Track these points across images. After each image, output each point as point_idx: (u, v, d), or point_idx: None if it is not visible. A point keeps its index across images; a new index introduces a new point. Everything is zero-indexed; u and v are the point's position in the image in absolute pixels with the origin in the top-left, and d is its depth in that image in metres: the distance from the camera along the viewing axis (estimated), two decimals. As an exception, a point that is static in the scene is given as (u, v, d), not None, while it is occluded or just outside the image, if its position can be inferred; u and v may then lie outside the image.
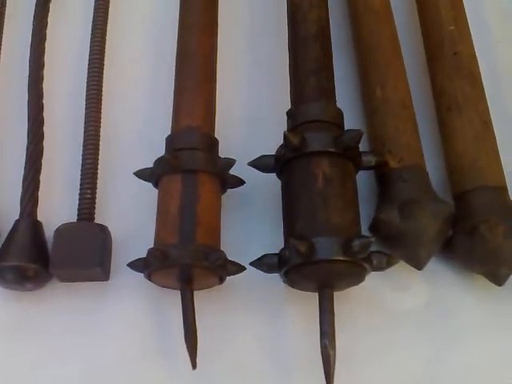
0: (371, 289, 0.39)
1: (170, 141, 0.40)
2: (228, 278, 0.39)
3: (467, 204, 0.39)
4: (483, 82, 0.45)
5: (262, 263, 0.37)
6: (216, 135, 0.43)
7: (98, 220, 0.42)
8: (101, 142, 0.44)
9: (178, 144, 0.39)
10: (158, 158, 0.39)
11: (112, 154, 0.45)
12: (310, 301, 0.37)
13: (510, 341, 0.39)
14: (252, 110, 0.47)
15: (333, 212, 0.35)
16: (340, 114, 0.40)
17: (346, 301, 0.39)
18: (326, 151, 0.37)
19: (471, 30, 0.48)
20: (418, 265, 0.38)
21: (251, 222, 0.43)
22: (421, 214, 0.37)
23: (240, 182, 0.41)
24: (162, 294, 0.39)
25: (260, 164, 0.40)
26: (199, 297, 0.39)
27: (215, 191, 0.39)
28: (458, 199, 0.40)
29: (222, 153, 0.42)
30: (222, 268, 0.37)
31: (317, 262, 0.34)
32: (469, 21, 0.47)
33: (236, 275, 0.39)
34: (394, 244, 0.38)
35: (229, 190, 0.43)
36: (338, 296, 0.38)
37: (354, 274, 0.36)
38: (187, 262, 0.35)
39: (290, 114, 0.41)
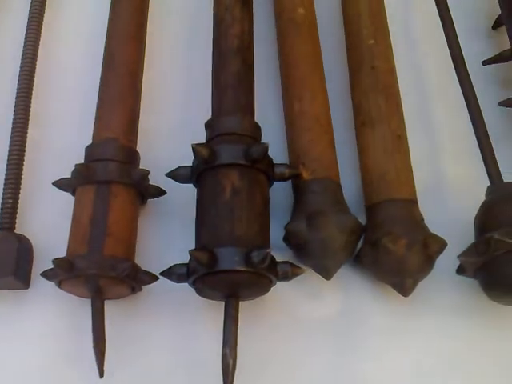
0: (284, 298, 0.40)
1: (87, 151, 0.41)
2: (147, 286, 0.40)
3: (374, 216, 0.40)
4: (410, 95, 0.46)
5: (172, 273, 0.37)
6: (146, 146, 0.44)
7: (21, 229, 0.42)
8: (27, 151, 0.44)
9: (95, 155, 0.40)
10: (74, 169, 0.40)
11: (38, 163, 0.45)
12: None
13: (417, 350, 0.39)
14: (183, 121, 0.48)
15: (237, 223, 0.36)
16: (256, 127, 0.41)
17: (259, 309, 0.40)
18: (235, 163, 0.37)
19: (399, 43, 0.49)
20: (326, 275, 0.39)
21: (174, 231, 0.43)
22: (326, 226, 0.38)
23: (160, 192, 0.42)
24: (80, 302, 0.40)
25: (177, 175, 0.40)
26: (116, 305, 0.40)
27: (130, 202, 0.39)
28: (368, 211, 0.41)
29: (153, 164, 0.43)
30: (132, 278, 0.37)
31: (219, 273, 0.35)
32: (398, 34, 0.49)
33: (156, 284, 0.39)
34: (303, 254, 0.39)
35: (153, 200, 0.43)
36: (251, 305, 0.39)
37: (258, 283, 0.36)
38: (93, 272, 0.36)
39: (207, 125, 0.41)
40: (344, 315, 0.40)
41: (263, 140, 0.42)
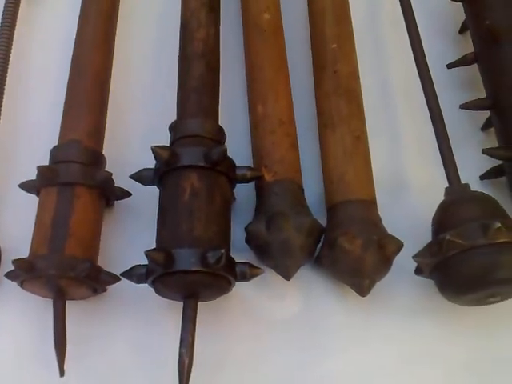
0: (245, 298, 0.41)
1: (52, 153, 0.41)
2: (111, 287, 0.40)
3: (334, 217, 0.40)
4: (374, 97, 0.47)
5: (132, 274, 0.38)
6: (114, 149, 0.44)
7: (-12, 230, 0.43)
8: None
9: (58, 157, 0.40)
10: (38, 171, 0.40)
11: (7, 164, 0.46)
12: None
13: (377, 348, 0.40)
14: (152, 124, 0.48)
15: (196, 224, 0.36)
16: (219, 130, 0.42)
17: (220, 310, 0.41)
18: (195, 165, 0.38)
19: (366, 46, 0.50)
20: (286, 275, 0.39)
21: (140, 232, 0.43)
22: (285, 227, 0.38)
23: (126, 194, 0.43)
24: (46, 303, 0.40)
25: (140, 177, 0.41)
26: (79, 305, 0.40)
27: (92, 204, 0.40)
28: (328, 212, 0.41)
29: (122, 166, 0.43)
30: (93, 279, 0.38)
31: (176, 273, 0.36)
32: (363, 36, 0.49)
33: (120, 285, 0.40)
34: (263, 255, 0.40)
35: (120, 202, 0.44)
36: (213, 305, 0.40)
37: (216, 284, 0.37)
38: (52, 272, 0.36)
39: (171, 128, 0.42)
40: (304, 315, 0.41)
41: (229, 142, 0.42)
